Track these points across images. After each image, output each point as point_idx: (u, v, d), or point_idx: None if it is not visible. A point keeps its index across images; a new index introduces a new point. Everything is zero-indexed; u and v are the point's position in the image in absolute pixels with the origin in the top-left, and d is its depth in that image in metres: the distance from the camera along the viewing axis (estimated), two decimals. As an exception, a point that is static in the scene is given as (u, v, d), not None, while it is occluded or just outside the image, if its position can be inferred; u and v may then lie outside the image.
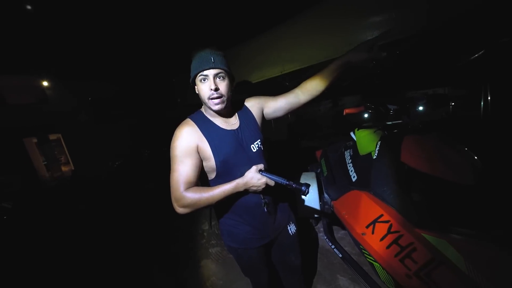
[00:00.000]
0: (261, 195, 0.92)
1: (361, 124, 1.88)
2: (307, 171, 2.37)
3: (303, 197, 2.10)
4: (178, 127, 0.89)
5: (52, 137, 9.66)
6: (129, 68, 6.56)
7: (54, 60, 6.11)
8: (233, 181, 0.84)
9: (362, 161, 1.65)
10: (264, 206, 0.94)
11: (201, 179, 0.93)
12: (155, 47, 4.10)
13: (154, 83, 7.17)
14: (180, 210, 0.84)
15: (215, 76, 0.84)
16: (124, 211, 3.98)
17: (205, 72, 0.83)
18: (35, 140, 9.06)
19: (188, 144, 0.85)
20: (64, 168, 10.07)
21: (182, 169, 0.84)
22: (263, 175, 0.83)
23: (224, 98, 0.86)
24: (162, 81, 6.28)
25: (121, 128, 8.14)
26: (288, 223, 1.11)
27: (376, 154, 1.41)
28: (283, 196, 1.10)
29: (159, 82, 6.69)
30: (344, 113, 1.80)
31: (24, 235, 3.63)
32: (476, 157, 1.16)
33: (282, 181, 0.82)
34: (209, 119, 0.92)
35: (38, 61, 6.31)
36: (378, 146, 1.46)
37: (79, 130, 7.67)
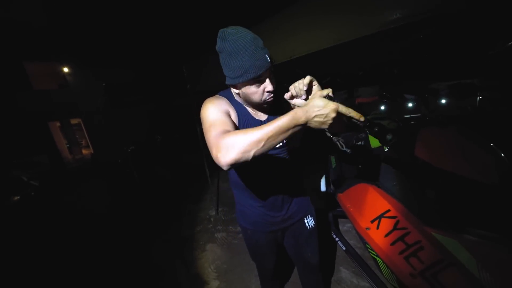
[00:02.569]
0: (337, 140, 0.78)
1: (374, 114, 1.77)
2: (316, 163, 2.31)
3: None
4: (208, 99, 0.80)
5: (73, 121, 10.23)
6: (143, 55, 6.67)
7: (74, 48, 6.35)
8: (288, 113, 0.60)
9: (373, 155, 1.57)
10: (340, 144, 0.84)
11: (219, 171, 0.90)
12: (166, 33, 4.09)
13: (166, 70, 7.26)
14: (223, 159, 0.59)
15: (270, 75, 0.72)
16: (137, 195, 4.17)
17: (262, 76, 0.70)
18: (58, 124, 9.64)
19: (223, 107, 0.77)
20: (84, 151, 10.71)
21: (219, 122, 0.69)
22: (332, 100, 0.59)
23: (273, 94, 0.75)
24: (172, 68, 6.34)
25: (136, 114, 8.41)
26: (306, 216, 1.07)
27: (388, 147, 1.33)
28: (301, 189, 1.07)
29: (170, 69, 6.76)
30: (356, 102, 1.70)
31: (49, 212, 3.96)
32: (503, 154, 1.05)
33: (357, 122, 0.59)
34: (240, 103, 0.85)
35: (60, 48, 6.60)
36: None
37: (98, 114, 8.03)
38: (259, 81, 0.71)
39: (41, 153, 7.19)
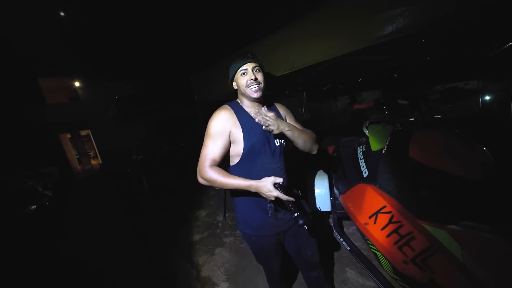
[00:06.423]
0: (268, 201, 0.97)
1: (373, 118, 1.87)
2: (319, 168, 2.40)
3: (316, 192, 2.15)
4: (217, 110, 1.01)
5: (83, 133, 10.59)
6: (152, 68, 6.98)
7: (86, 63, 6.73)
8: (249, 180, 0.90)
9: (373, 157, 1.66)
10: (269, 209, 1.00)
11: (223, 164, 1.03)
12: (175, 48, 4.34)
13: (172, 81, 7.54)
14: (200, 180, 0.96)
15: (253, 68, 0.98)
16: (146, 202, 4.29)
17: (244, 66, 0.97)
18: (69, 136, 9.99)
19: (223, 126, 0.96)
20: (93, 162, 10.99)
21: (212, 146, 0.95)
22: (276, 188, 0.86)
23: (261, 86, 0.99)
24: (180, 80, 6.60)
25: (144, 124, 8.66)
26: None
27: (385, 149, 1.43)
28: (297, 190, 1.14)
29: (178, 81, 7.02)
30: (354, 108, 1.81)
31: (63, 220, 4.10)
32: (488, 153, 1.14)
33: (289, 206, 0.88)
34: (244, 109, 1.03)
35: (73, 64, 6.98)
36: (388, 141, 1.47)
37: (106, 126, 8.32)
38: (245, 72, 0.98)
39: (52, 164, 7.42)
